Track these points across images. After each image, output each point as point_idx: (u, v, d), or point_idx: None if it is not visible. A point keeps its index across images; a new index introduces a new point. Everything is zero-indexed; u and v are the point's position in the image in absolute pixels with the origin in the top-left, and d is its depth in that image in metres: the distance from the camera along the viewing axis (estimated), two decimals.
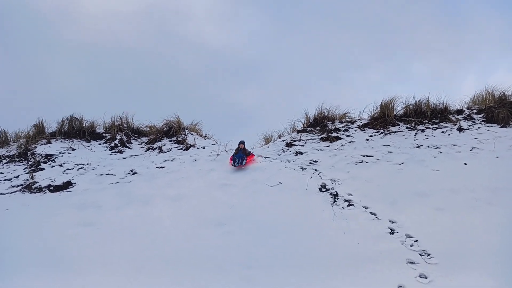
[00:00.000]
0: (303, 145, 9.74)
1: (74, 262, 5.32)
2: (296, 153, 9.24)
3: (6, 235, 6.21)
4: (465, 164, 7.48)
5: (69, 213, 6.93)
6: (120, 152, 10.07)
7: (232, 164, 8.41)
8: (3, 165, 9.71)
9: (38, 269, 5.14)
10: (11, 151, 10.30)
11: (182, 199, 7.24)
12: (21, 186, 8.49)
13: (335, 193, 6.94)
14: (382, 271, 4.67)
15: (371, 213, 6.16)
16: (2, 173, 9.26)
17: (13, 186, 8.53)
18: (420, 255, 4.94)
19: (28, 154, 9.88)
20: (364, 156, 8.46)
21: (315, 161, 8.62)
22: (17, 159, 9.89)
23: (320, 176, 7.74)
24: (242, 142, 8.79)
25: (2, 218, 6.99)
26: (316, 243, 5.45)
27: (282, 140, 10.41)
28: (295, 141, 10.03)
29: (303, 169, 8.20)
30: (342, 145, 9.27)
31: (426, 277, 4.45)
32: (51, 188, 8.24)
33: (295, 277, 4.72)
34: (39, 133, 10.78)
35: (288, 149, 9.64)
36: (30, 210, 7.24)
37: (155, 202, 7.16)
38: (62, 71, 26.73)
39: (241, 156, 8.46)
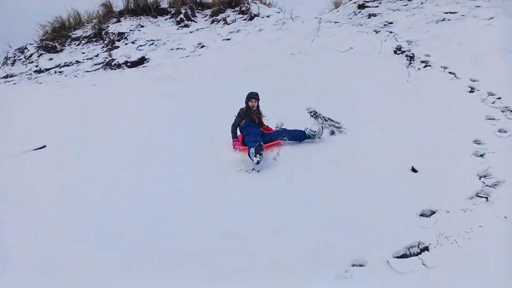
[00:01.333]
0: (377, 6, 8.93)
1: (157, 121, 5.83)
2: (369, 16, 8.56)
3: (99, 103, 6.93)
4: None
5: (149, 86, 7.43)
6: (187, 26, 10.09)
7: (249, 155, 4.18)
8: (83, 45, 10.34)
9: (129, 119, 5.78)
10: (87, 31, 10.82)
11: (252, 69, 7.31)
12: (102, 64, 9.12)
13: (411, 55, 6.53)
14: (458, 127, 4.48)
15: (449, 72, 5.79)
16: (84, 53, 9.93)
17: (95, 64, 9.19)
18: (502, 111, 4.65)
19: (103, 34, 10.34)
20: (446, 13, 7.58)
21: (390, 23, 7.98)
22: (94, 39, 10.43)
23: (395, 38, 7.25)
24: (255, 96, 4.87)
25: (92, 91, 7.74)
26: (387, 106, 5.33)
27: (354, 2, 9.60)
28: (368, 2, 9.19)
29: (376, 32, 7.69)
30: (422, 3, 8.32)
31: (505, 131, 4.26)
32: (128, 64, 8.75)
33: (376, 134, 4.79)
34: (108, 12, 11.03)
35: (360, 12, 8.94)
36: (114, 84, 7.88)
37: (226, 74, 7.33)
38: None
39: (256, 134, 4.61)
